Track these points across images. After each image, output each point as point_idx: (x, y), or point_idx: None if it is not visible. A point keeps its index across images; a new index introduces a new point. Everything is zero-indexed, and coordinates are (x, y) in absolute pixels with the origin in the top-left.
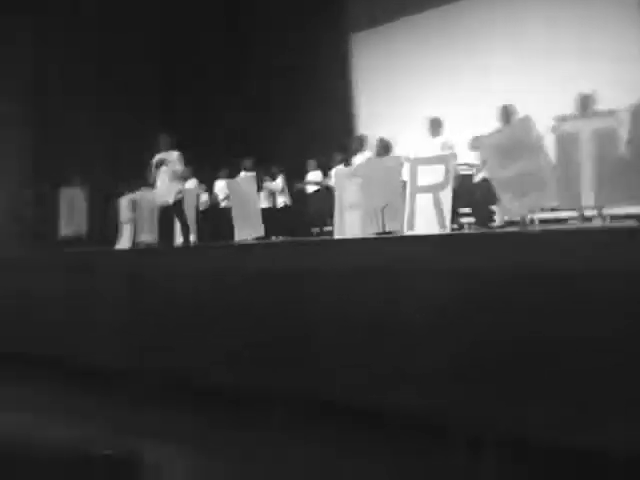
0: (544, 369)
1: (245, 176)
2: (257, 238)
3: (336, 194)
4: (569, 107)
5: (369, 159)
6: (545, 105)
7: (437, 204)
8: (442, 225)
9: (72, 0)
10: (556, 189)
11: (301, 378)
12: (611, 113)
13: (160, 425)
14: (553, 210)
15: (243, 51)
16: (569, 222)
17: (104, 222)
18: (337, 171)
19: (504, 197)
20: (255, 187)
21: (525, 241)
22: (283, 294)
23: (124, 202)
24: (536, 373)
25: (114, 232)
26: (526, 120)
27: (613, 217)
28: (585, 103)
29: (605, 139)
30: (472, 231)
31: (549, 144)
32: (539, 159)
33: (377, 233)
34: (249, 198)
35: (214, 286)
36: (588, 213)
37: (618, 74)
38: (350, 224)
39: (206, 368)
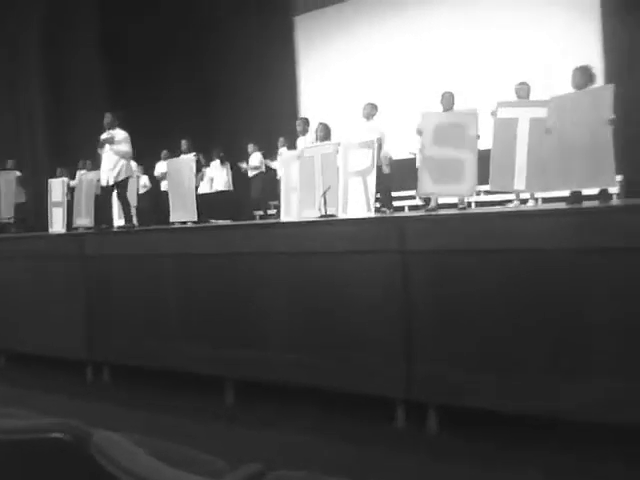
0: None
1: (184, 157)
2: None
3: (282, 177)
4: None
5: (308, 146)
6: (484, 90)
7: (365, 188)
8: (368, 208)
9: None
10: (491, 171)
11: (250, 360)
12: (547, 102)
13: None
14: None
15: (191, 33)
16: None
17: (37, 206)
18: (283, 154)
19: (423, 176)
20: (193, 169)
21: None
22: (228, 276)
23: (56, 184)
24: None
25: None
26: (473, 114)
27: (545, 200)
28: (524, 91)
29: (539, 127)
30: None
31: (489, 128)
32: (469, 154)
33: (320, 216)
34: (185, 180)
35: (156, 268)
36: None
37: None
38: (295, 206)
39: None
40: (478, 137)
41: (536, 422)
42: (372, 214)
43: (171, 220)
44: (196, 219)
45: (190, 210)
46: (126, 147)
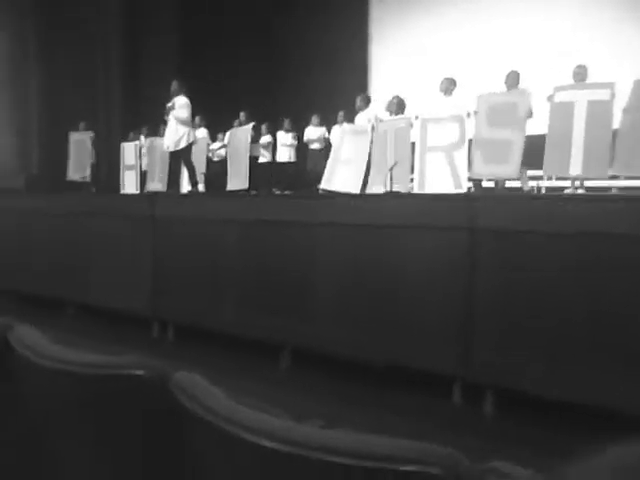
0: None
1: (243, 127)
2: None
3: (333, 147)
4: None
5: (378, 118)
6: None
7: (451, 163)
8: (457, 185)
9: None
10: (546, 155)
11: (294, 328)
12: (607, 85)
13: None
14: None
15: (261, 6)
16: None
17: (109, 168)
18: (343, 127)
19: (475, 157)
20: (248, 139)
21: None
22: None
23: (128, 148)
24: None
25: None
26: (524, 93)
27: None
28: (582, 74)
29: (598, 110)
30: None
31: (545, 112)
32: (518, 134)
33: (385, 192)
34: (240, 149)
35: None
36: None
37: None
38: (341, 178)
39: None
40: (530, 116)
41: (595, 413)
42: (462, 191)
43: (228, 188)
44: (247, 187)
45: (243, 178)
46: (185, 113)
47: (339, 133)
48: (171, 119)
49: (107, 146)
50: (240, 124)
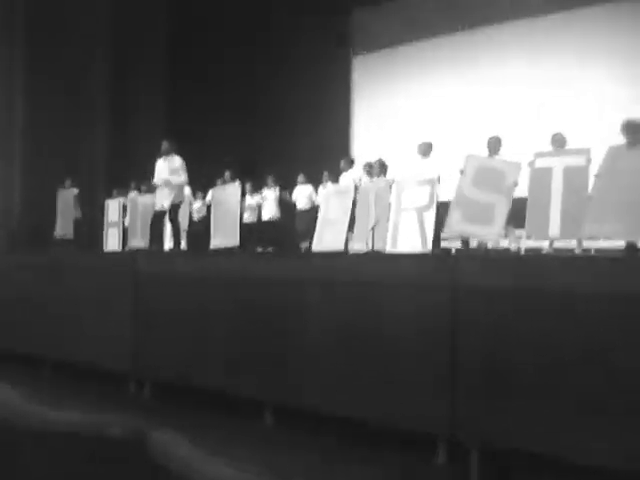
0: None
1: (231, 184)
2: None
3: (321, 209)
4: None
5: (355, 180)
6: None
7: (421, 224)
8: (424, 244)
9: None
10: (527, 218)
11: (280, 386)
12: (583, 151)
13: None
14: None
15: (248, 67)
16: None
17: (93, 225)
18: (327, 187)
19: (453, 213)
20: (238, 197)
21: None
22: (265, 302)
23: (112, 205)
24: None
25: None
26: (516, 166)
27: (585, 250)
28: (560, 141)
29: (574, 176)
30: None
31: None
32: (503, 200)
33: (367, 250)
34: (230, 207)
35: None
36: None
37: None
38: (329, 238)
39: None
40: (516, 185)
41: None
42: (428, 251)
43: (211, 246)
44: (238, 244)
45: (233, 236)
46: (183, 175)
47: (324, 194)
48: (165, 178)
49: (91, 203)
50: (224, 182)
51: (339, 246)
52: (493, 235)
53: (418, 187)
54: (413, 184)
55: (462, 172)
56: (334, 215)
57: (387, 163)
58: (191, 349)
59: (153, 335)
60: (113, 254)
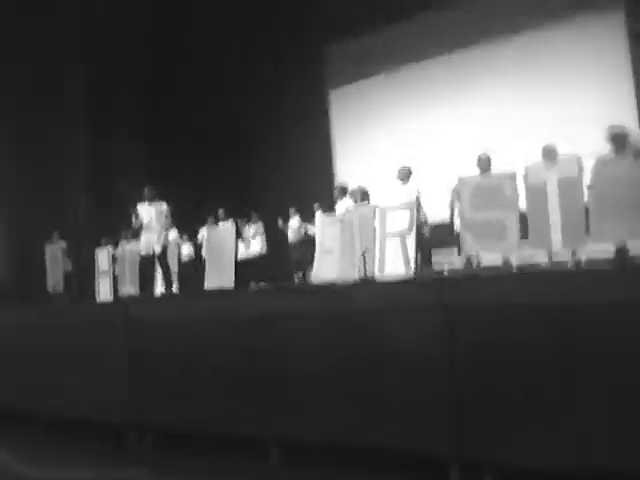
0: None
1: (224, 224)
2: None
3: (317, 239)
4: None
5: (348, 209)
6: (515, 154)
7: (404, 248)
8: (407, 269)
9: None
10: (529, 231)
11: (283, 421)
12: (573, 159)
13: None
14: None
15: (228, 106)
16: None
17: (83, 275)
18: (320, 218)
19: (466, 236)
20: (233, 236)
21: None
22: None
23: (102, 254)
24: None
25: (92, 285)
26: (511, 177)
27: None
28: (550, 154)
29: (569, 186)
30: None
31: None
32: (510, 214)
33: (359, 277)
34: (225, 247)
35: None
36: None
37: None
38: (327, 267)
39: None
40: (517, 194)
41: None
42: (411, 274)
43: (206, 287)
44: (233, 285)
45: (228, 276)
46: (168, 218)
47: (319, 224)
48: (150, 223)
49: (80, 253)
50: (217, 220)
51: (336, 275)
52: (511, 248)
53: (399, 212)
54: (394, 209)
55: (457, 196)
56: (329, 244)
57: (368, 190)
58: (191, 393)
59: (151, 382)
60: (104, 303)
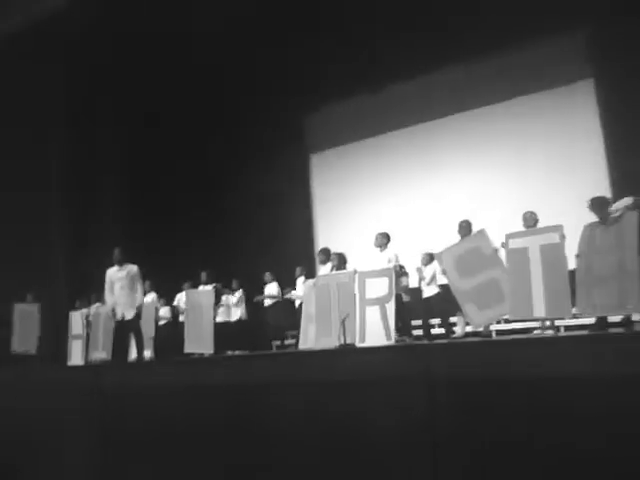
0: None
1: (203, 289)
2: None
3: (303, 306)
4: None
5: (326, 274)
6: (499, 221)
7: (383, 316)
8: (388, 336)
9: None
10: (510, 301)
11: None
12: (555, 228)
13: None
14: (507, 321)
15: (207, 169)
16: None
17: (56, 338)
18: (304, 283)
19: (467, 307)
20: (212, 301)
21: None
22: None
23: (75, 317)
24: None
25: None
26: (482, 233)
27: (567, 327)
28: (532, 219)
29: (551, 253)
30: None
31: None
32: (496, 270)
33: (338, 345)
34: (204, 312)
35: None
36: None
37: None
38: (313, 335)
39: None
40: (497, 251)
41: None
42: (392, 342)
43: (185, 351)
44: (212, 351)
45: (207, 342)
46: (138, 282)
47: (305, 289)
48: (121, 287)
49: (53, 316)
50: (201, 284)
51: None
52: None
53: (378, 278)
54: (373, 275)
55: (444, 271)
56: (314, 311)
57: (345, 256)
58: (166, 465)
59: (124, 454)
60: (75, 368)
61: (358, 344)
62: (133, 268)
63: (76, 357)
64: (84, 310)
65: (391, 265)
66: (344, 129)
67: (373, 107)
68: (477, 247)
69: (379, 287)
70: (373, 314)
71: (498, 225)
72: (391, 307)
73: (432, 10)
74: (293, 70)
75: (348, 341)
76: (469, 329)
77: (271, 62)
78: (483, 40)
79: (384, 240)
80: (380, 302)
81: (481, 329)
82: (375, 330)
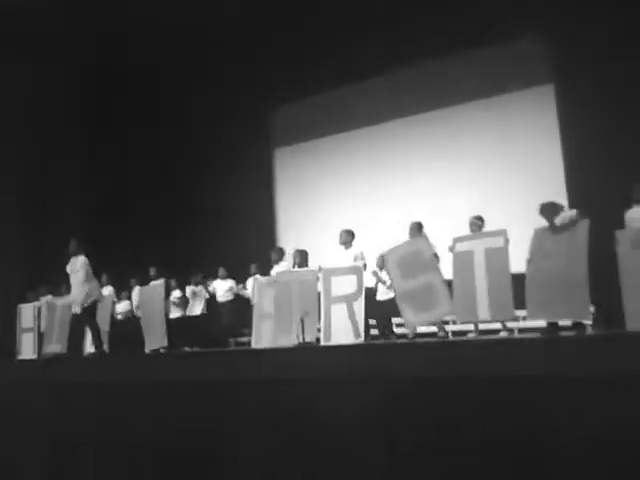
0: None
1: (153, 284)
2: (164, 348)
3: (255, 303)
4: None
5: (287, 271)
6: (454, 225)
7: (351, 314)
8: (357, 335)
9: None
10: (454, 304)
11: None
12: (499, 232)
13: None
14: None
15: (167, 161)
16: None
17: (5, 331)
18: (256, 280)
19: (404, 308)
20: (161, 296)
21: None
22: (200, 406)
23: (26, 310)
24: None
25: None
26: (423, 238)
27: (520, 330)
28: (478, 224)
29: (495, 257)
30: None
31: (449, 262)
32: (433, 275)
33: (296, 344)
34: (154, 307)
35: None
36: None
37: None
38: (267, 333)
39: None
40: (437, 258)
41: None
42: (361, 341)
43: (147, 349)
44: (166, 344)
45: (160, 335)
46: (85, 274)
47: (256, 287)
48: (74, 280)
49: (4, 308)
50: (150, 280)
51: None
52: (443, 313)
53: (345, 275)
54: (340, 272)
55: (388, 271)
56: (269, 309)
57: (307, 253)
58: (120, 466)
59: (76, 454)
60: (26, 362)
61: (323, 343)
62: (81, 258)
63: (27, 351)
64: (36, 302)
65: (359, 262)
66: (309, 125)
67: (339, 103)
68: (418, 250)
69: (346, 285)
70: (339, 312)
71: (452, 228)
72: (359, 305)
73: (399, 11)
74: (259, 66)
75: (307, 339)
76: (425, 329)
77: (234, 58)
78: (444, 43)
79: (349, 237)
80: (348, 300)
81: (412, 331)
82: (342, 328)
